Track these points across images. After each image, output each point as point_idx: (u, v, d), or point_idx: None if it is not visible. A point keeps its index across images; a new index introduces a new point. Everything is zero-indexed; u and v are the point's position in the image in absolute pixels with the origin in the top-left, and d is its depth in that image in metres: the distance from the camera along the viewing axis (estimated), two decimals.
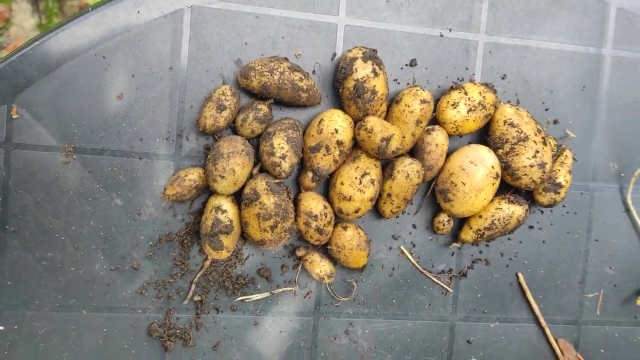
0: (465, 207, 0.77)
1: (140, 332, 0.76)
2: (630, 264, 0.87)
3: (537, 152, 0.76)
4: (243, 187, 0.73)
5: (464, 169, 0.75)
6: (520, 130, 0.76)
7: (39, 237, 0.72)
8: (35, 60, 0.71)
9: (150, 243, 0.75)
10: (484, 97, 0.77)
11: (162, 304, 0.76)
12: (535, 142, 0.76)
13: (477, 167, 0.75)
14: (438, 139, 0.77)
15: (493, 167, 0.76)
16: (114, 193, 0.74)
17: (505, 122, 0.77)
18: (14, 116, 0.71)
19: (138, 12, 0.73)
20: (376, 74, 0.73)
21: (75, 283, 0.74)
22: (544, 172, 0.77)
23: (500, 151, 0.78)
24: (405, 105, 0.75)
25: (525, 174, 0.77)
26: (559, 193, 0.80)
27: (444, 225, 0.80)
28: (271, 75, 0.72)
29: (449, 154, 0.78)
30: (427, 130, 0.77)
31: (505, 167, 0.77)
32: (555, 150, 0.81)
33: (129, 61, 0.73)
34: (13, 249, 0.72)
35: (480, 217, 0.79)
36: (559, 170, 0.80)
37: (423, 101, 0.74)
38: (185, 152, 0.75)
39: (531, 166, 0.76)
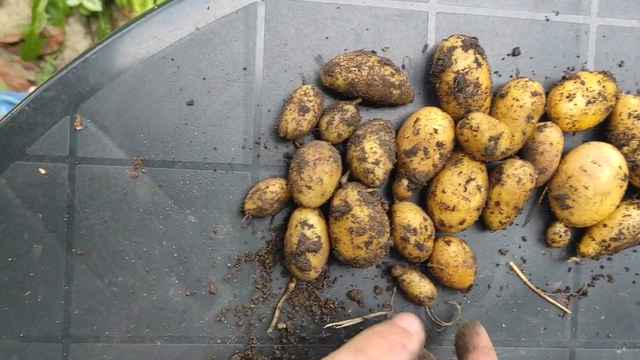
0: (587, 215, 0.66)
1: None
2: None
3: None
4: (331, 199, 0.64)
5: (585, 171, 0.65)
6: None
7: (107, 260, 0.65)
8: (98, 66, 0.65)
9: (229, 264, 0.67)
10: (603, 86, 0.66)
11: (243, 333, 0.68)
12: None
13: (602, 168, 0.64)
14: (552, 136, 0.66)
15: (620, 167, 0.65)
16: (188, 209, 0.66)
17: (630, 114, 0.66)
18: (78, 127, 0.64)
19: (208, 8, 0.66)
20: (479, 65, 0.63)
21: (148, 311, 0.66)
22: None
23: (625, 149, 0.67)
24: (514, 99, 0.65)
25: None
26: None
27: (560, 237, 0.69)
28: (359, 70, 0.64)
29: (563, 154, 0.68)
30: (538, 128, 0.67)
31: (633, 167, 0.66)
32: None
33: (200, 63, 0.66)
34: (80, 274, 0.65)
35: (605, 226, 0.68)
36: None
37: (534, 93, 0.64)
38: (263, 162, 0.67)
39: None
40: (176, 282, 0.66)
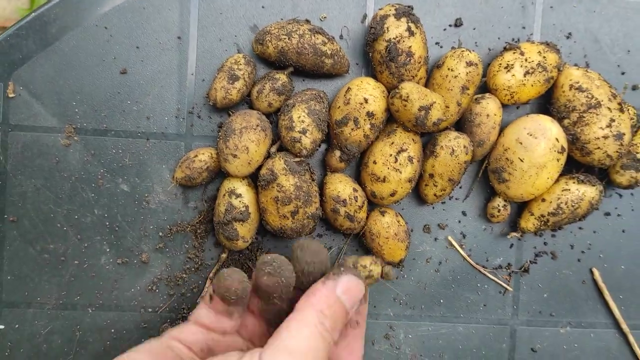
0: (524, 189, 0.64)
1: (152, 333, 0.68)
2: None
3: (613, 120, 0.63)
4: (260, 169, 0.63)
5: (521, 143, 0.63)
6: (590, 96, 0.64)
7: (39, 227, 0.66)
8: (31, 34, 0.65)
9: (161, 234, 0.67)
10: (544, 57, 0.65)
11: (174, 302, 0.68)
12: (609, 109, 0.63)
13: (538, 140, 0.63)
14: (489, 108, 0.65)
15: (557, 139, 0.63)
16: (120, 178, 0.66)
17: (571, 86, 0.64)
18: (11, 95, 0.65)
19: None
20: (412, 33, 0.62)
21: (80, 278, 0.67)
22: (622, 144, 0.63)
23: (566, 121, 0.65)
24: (449, 69, 0.63)
25: (598, 147, 0.63)
26: None
27: (499, 211, 0.67)
28: (289, 39, 0.63)
29: (503, 127, 0.66)
30: (475, 99, 0.65)
31: (573, 140, 0.64)
32: (635, 121, 0.67)
33: (133, 31, 0.65)
34: (12, 241, 0.66)
35: (544, 200, 0.66)
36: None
37: (469, 63, 0.63)
38: (197, 131, 0.67)
39: (605, 137, 0.63)
40: (108, 250, 0.67)
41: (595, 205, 0.66)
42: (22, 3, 2.01)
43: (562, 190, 0.65)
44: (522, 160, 0.63)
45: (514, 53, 0.65)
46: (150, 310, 0.67)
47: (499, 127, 0.66)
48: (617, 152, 0.64)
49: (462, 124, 0.66)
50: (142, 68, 0.66)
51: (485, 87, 0.67)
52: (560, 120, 0.65)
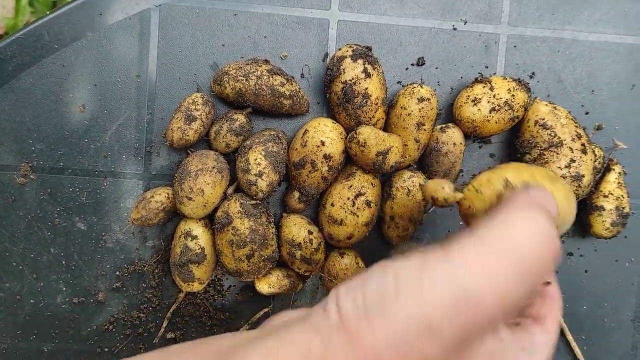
0: None
1: None
2: None
3: (573, 161, 0.63)
4: (217, 210, 0.63)
5: None
6: (553, 134, 0.63)
7: None
8: None
9: (118, 273, 0.67)
10: (512, 95, 0.64)
11: (131, 342, 0.67)
12: (571, 149, 0.63)
13: None
14: (455, 137, 0.64)
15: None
16: (77, 216, 0.66)
17: (536, 122, 0.64)
18: None
19: (100, 14, 0.65)
20: (368, 75, 0.61)
21: (36, 317, 0.66)
22: (580, 186, 0.63)
23: (527, 157, 0.64)
24: (401, 107, 0.63)
25: None
26: (624, 225, 0.66)
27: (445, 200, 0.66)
28: (246, 80, 0.62)
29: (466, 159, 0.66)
30: (440, 129, 0.65)
31: None
32: (601, 162, 0.67)
33: (91, 69, 0.65)
34: None
35: None
36: (605, 190, 0.67)
37: (421, 99, 0.62)
38: (155, 170, 0.66)
39: (563, 177, 0.63)
40: (64, 289, 0.66)
41: None
42: (8, 11, 2.00)
43: None
44: None
45: (484, 87, 0.64)
46: (106, 350, 0.67)
47: (462, 154, 0.65)
48: (574, 193, 0.63)
49: (426, 154, 0.65)
50: (100, 106, 0.65)
51: (450, 116, 0.66)
52: (522, 155, 0.65)
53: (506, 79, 0.65)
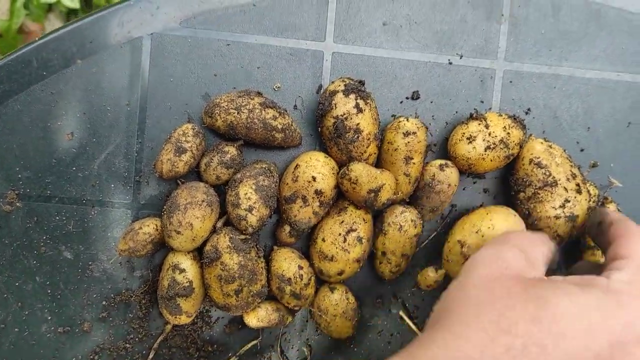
0: None
1: None
2: None
3: (568, 201, 0.62)
4: (206, 242, 0.62)
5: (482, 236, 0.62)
6: (548, 173, 0.63)
7: None
8: None
9: (104, 303, 0.66)
10: (508, 133, 0.63)
11: None
12: (566, 189, 0.62)
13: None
14: (451, 178, 0.63)
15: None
16: (63, 245, 0.65)
17: (531, 160, 0.63)
18: None
19: (91, 41, 0.64)
20: (360, 110, 0.61)
21: (20, 347, 0.65)
22: (574, 226, 0.62)
23: (521, 195, 0.64)
24: (388, 142, 0.62)
25: (549, 227, 0.63)
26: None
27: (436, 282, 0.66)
28: (238, 113, 0.61)
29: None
30: (440, 166, 0.64)
31: (526, 215, 0.63)
32: (595, 200, 0.66)
33: (80, 96, 0.64)
34: None
35: None
36: None
37: (407, 133, 0.61)
38: (144, 200, 0.65)
39: (557, 217, 0.62)
40: (49, 318, 0.65)
41: None
42: (3, 13, 1.98)
43: None
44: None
45: (479, 124, 0.64)
46: None
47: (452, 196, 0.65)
48: (567, 232, 0.63)
49: (419, 187, 0.65)
50: (89, 134, 0.64)
51: (445, 150, 0.66)
52: (516, 192, 0.64)
53: (501, 115, 0.65)
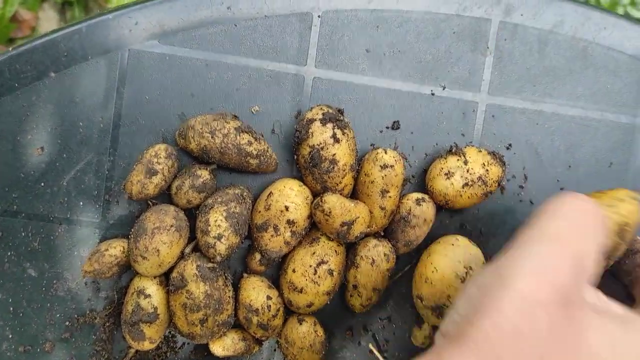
0: None
1: None
2: None
3: None
4: (173, 268, 0.61)
5: (461, 280, 0.60)
6: None
7: None
8: None
9: (67, 323, 0.64)
10: (487, 170, 0.62)
11: None
12: None
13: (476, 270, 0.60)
14: (428, 213, 0.62)
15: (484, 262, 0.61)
16: (28, 262, 0.63)
17: None
18: None
19: (66, 54, 0.62)
20: (337, 140, 0.59)
21: None
22: None
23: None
24: (365, 174, 0.61)
25: None
26: None
27: (430, 339, 0.65)
28: (212, 137, 0.60)
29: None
30: (417, 200, 0.63)
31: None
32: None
33: (52, 110, 0.62)
34: None
35: None
36: None
37: (384, 166, 0.60)
38: (113, 219, 0.64)
39: None
40: (10, 336, 0.64)
41: None
42: None
43: None
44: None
45: (458, 160, 0.63)
46: None
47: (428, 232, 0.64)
48: None
49: (395, 220, 0.63)
50: (60, 149, 0.63)
51: (423, 182, 0.65)
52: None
53: (481, 151, 0.64)
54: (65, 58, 0.62)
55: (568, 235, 0.42)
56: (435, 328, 0.64)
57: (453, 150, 0.64)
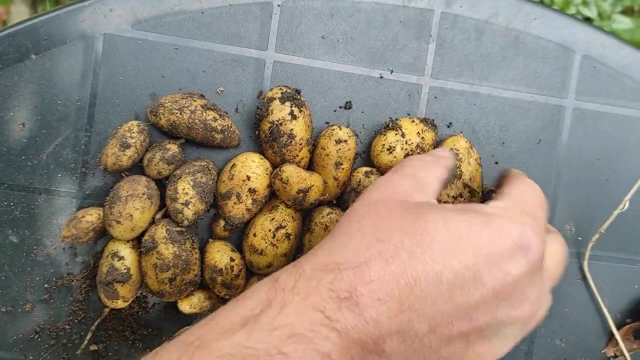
0: None
1: None
2: (583, 336, 0.79)
3: (460, 196, 0.69)
4: (145, 233, 0.67)
5: None
6: (457, 165, 0.69)
7: None
8: None
9: (47, 286, 0.70)
10: (422, 137, 0.70)
11: (56, 352, 0.71)
12: (465, 185, 0.69)
13: None
14: None
15: None
16: (9, 229, 0.69)
17: (451, 150, 0.70)
18: None
19: (46, 38, 0.68)
20: (294, 117, 0.66)
21: None
22: None
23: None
24: (321, 148, 0.68)
25: None
26: None
27: None
28: (181, 113, 0.66)
29: None
30: (365, 173, 0.70)
31: None
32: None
33: (33, 90, 0.68)
34: None
35: None
36: None
37: (338, 141, 0.67)
38: (89, 190, 0.70)
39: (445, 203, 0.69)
40: None
41: None
42: None
43: None
44: None
45: (396, 134, 0.70)
46: (31, 358, 0.70)
47: None
48: None
49: (346, 192, 0.70)
50: (40, 126, 0.68)
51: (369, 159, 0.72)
52: None
53: (414, 121, 0.71)
54: (45, 41, 0.68)
55: (410, 168, 0.56)
56: None
57: (390, 125, 0.71)
